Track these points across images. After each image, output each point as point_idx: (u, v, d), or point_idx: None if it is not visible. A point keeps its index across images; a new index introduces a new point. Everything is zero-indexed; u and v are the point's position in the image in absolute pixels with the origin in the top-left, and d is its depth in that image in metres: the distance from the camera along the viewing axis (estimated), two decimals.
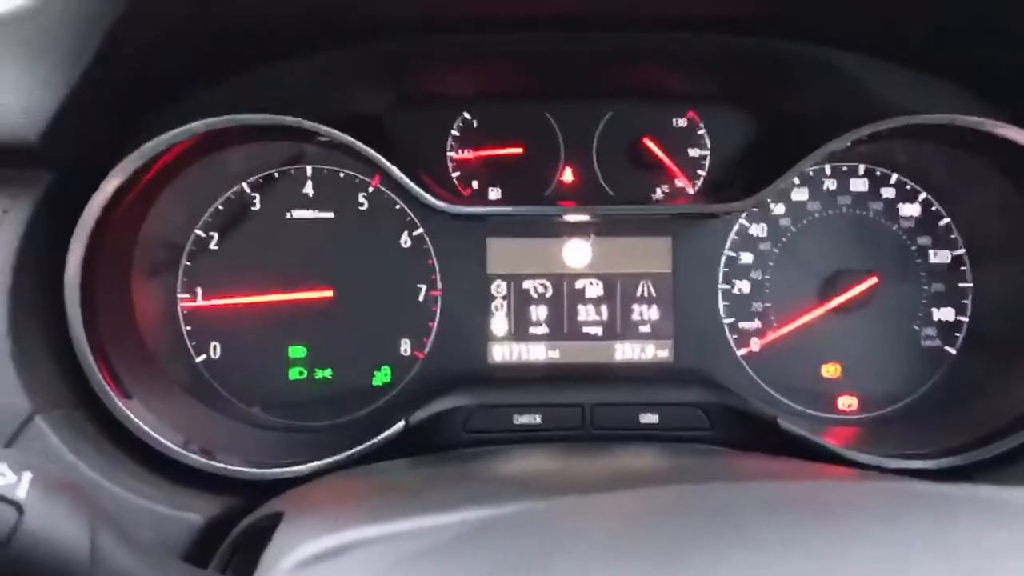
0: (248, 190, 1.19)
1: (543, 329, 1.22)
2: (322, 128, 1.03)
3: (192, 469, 1.01)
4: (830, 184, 1.23)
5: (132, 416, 0.99)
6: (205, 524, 0.95)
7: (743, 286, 1.22)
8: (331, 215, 1.20)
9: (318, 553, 0.61)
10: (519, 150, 1.21)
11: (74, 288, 0.98)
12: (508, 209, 1.15)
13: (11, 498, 0.60)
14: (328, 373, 1.20)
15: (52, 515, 0.61)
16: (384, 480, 0.90)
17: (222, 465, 1.00)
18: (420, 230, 1.21)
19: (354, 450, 1.05)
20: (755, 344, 1.22)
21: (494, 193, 1.23)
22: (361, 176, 1.20)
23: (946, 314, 1.22)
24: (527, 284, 1.22)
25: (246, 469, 1.01)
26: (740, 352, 1.22)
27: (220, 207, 1.19)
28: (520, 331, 1.22)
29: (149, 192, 1.09)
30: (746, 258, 1.22)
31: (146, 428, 0.99)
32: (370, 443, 1.05)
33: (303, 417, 1.19)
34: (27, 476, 0.62)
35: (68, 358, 0.98)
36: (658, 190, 1.23)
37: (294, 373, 1.20)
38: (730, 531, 0.51)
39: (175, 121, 1.01)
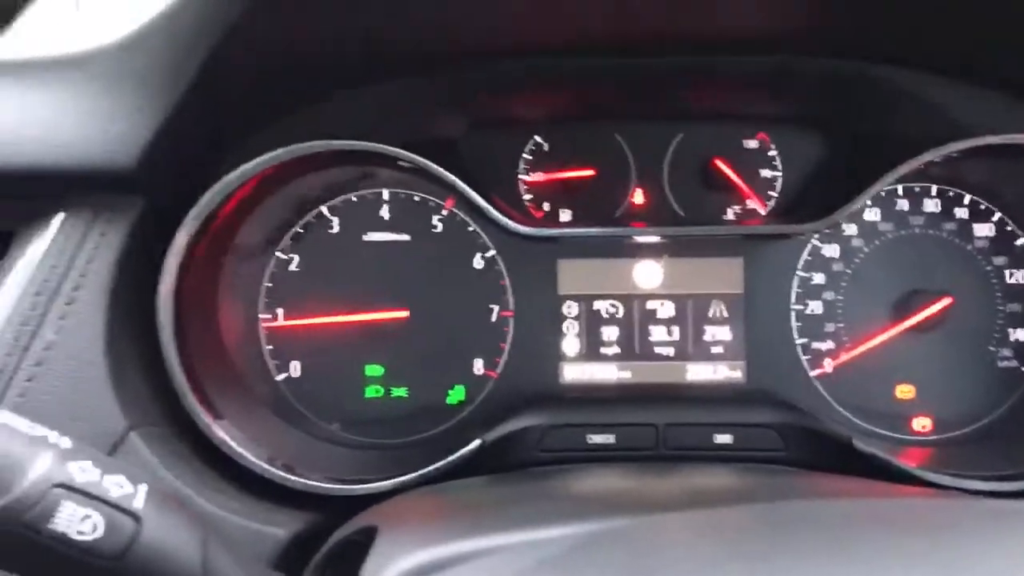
0: (327, 213, 1.23)
1: (614, 349, 1.23)
2: (404, 154, 1.05)
3: (275, 485, 1.03)
4: (902, 204, 1.23)
5: (222, 435, 1.02)
6: (289, 539, 0.98)
7: (816, 306, 1.22)
8: (407, 237, 1.23)
9: (422, 565, 0.63)
10: (591, 172, 1.23)
11: (167, 311, 1.01)
12: (581, 231, 1.17)
13: (129, 509, 0.63)
14: (404, 391, 1.23)
15: (167, 527, 0.64)
16: (469, 496, 0.91)
17: (305, 481, 1.03)
18: (492, 252, 1.23)
19: (431, 467, 1.06)
20: (828, 364, 1.22)
21: (565, 215, 1.25)
22: (435, 199, 1.23)
23: (1023, 335, 1.21)
24: (598, 305, 1.23)
25: (328, 485, 1.04)
26: (813, 373, 1.22)
27: (300, 230, 1.22)
28: (592, 351, 1.23)
29: (234, 217, 1.13)
30: (819, 278, 1.23)
31: (235, 446, 1.02)
32: (448, 460, 1.07)
33: (379, 435, 1.22)
34: (143, 488, 0.65)
35: (159, 377, 1.02)
36: (729, 211, 1.24)
37: (371, 391, 1.23)
38: (821, 547, 0.52)
39: (260, 148, 1.04)
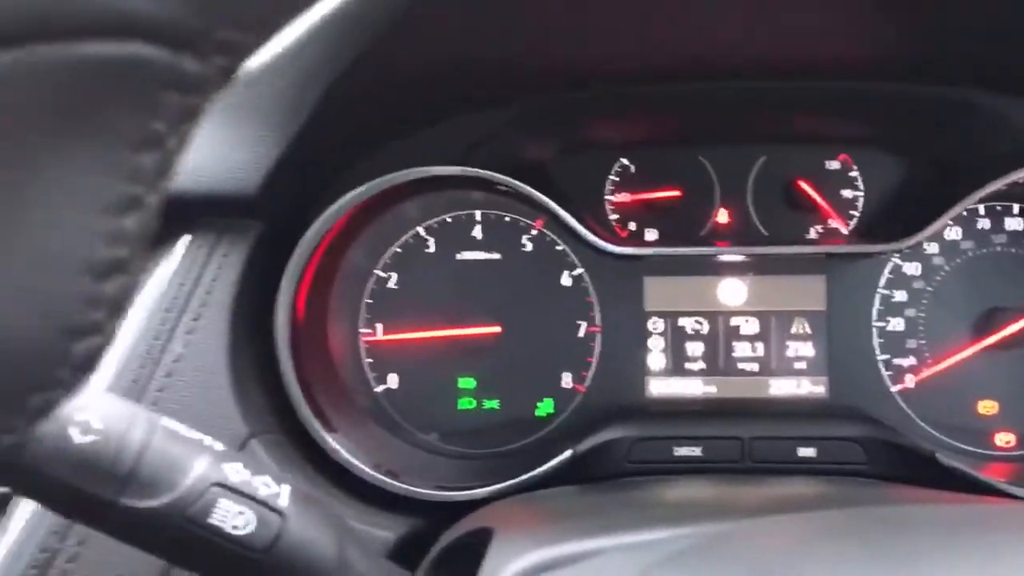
0: (423, 234, 1.29)
1: (699, 365, 1.27)
2: (504, 179, 1.11)
3: (380, 491, 1.10)
4: (984, 223, 1.25)
5: (333, 444, 1.09)
6: (395, 541, 1.04)
7: (897, 323, 1.25)
8: (498, 256, 1.29)
9: (544, 562, 0.68)
10: (676, 193, 1.28)
11: (284, 328, 1.08)
12: (668, 250, 1.22)
13: (275, 506, 0.69)
14: (495, 404, 1.28)
15: (307, 523, 0.71)
16: (571, 503, 0.96)
17: (409, 488, 1.09)
18: (580, 270, 1.28)
19: (526, 476, 1.12)
20: (910, 380, 1.25)
21: (651, 234, 1.29)
22: (525, 220, 1.29)
23: None
24: (683, 321, 1.28)
25: (431, 492, 1.10)
26: (895, 388, 1.25)
27: (398, 250, 1.29)
28: (677, 366, 1.27)
29: (342, 240, 1.20)
30: (900, 296, 1.25)
31: (345, 454, 1.08)
32: (541, 470, 1.12)
33: (472, 445, 1.27)
34: (286, 488, 0.71)
35: (275, 389, 1.09)
36: (812, 230, 1.27)
37: (464, 403, 1.28)
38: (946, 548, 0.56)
39: (368, 174, 1.11)
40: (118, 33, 0.34)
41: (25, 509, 0.92)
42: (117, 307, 0.39)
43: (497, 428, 1.28)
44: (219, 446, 0.70)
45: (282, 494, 0.70)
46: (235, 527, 0.67)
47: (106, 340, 0.38)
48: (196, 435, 0.70)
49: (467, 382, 1.28)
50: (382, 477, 1.08)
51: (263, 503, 0.69)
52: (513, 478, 1.12)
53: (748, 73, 1.17)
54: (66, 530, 0.91)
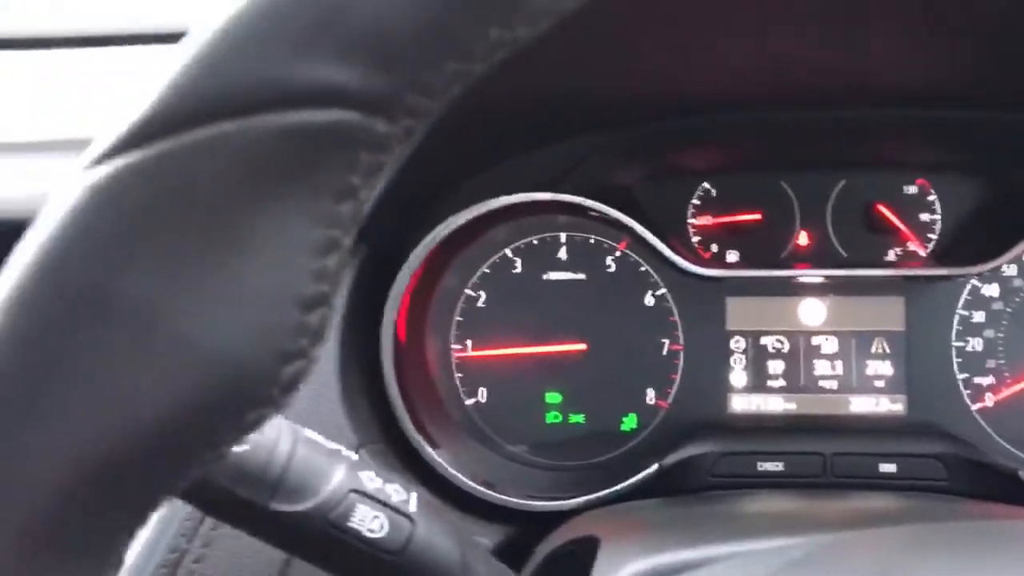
0: (510, 255, 1.35)
1: (780, 382, 1.31)
2: (596, 205, 1.17)
3: (477, 501, 1.15)
4: None
5: (434, 454, 1.15)
6: (493, 549, 1.10)
7: (976, 343, 1.28)
8: (583, 276, 1.34)
9: (657, 568, 0.73)
10: (758, 217, 1.32)
11: (388, 348, 1.15)
12: (751, 272, 1.26)
13: (406, 512, 0.75)
14: (581, 418, 1.33)
15: (434, 529, 0.76)
16: (667, 513, 1.01)
17: (505, 498, 1.15)
18: (663, 290, 1.33)
19: (616, 488, 1.17)
20: (989, 399, 1.27)
21: (732, 256, 1.34)
22: (609, 242, 1.34)
23: None
24: (764, 340, 1.32)
25: (525, 502, 1.15)
26: (975, 407, 1.27)
27: (487, 270, 1.35)
28: (758, 384, 1.32)
29: (438, 263, 1.26)
30: (979, 317, 1.28)
31: (446, 465, 1.15)
32: (629, 482, 1.17)
33: (559, 457, 1.33)
34: (414, 495, 0.77)
35: (380, 402, 1.16)
36: (891, 252, 1.31)
37: (550, 417, 1.34)
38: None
39: (463, 201, 1.18)
40: (326, 103, 0.41)
41: (157, 512, 0.99)
42: (319, 335, 0.45)
43: (582, 441, 1.33)
44: (354, 456, 0.76)
45: (411, 500, 0.76)
46: (371, 530, 0.73)
47: (309, 364, 0.45)
48: (333, 445, 0.76)
49: (553, 397, 1.34)
50: (481, 488, 1.14)
51: (395, 508, 0.75)
52: (601, 490, 1.18)
53: (829, 100, 1.22)
54: (192, 533, 0.99)
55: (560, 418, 1.34)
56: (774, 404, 1.31)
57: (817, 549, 0.64)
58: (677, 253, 1.23)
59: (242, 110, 0.40)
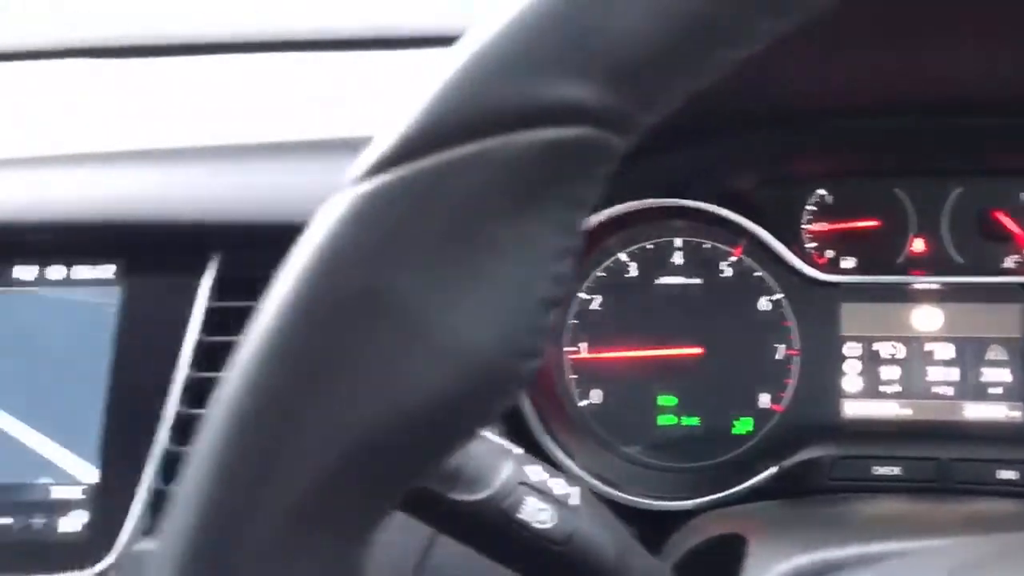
0: (624, 259, 1.38)
1: (895, 388, 1.32)
2: (719, 210, 1.20)
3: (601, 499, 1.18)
4: None
5: (560, 454, 1.18)
6: None
7: None
8: (698, 281, 1.36)
9: (814, 564, 0.75)
10: (874, 223, 1.33)
11: None
12: (869, 278, 1.28)
13: (570, 504, 0.78)
14: (695, 421, 1.36)
15: (595, 522, 0.80)
16: (798, 513, 1.03)
17: (630, 497, 1.18)
18: (778, 295, 1.34)
19: (733, 489, 1.19)
20: None
21: (847, 262, 1.35)
22: (725, 247, 1.36)
23: None
24: (878, 346, 1.33)
25: (649, 502, 1.18)
26: None
27: (601, 274, 1.38)
28: (872, 389, 1.33)
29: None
30: None
31: (572, 465, 1.18)
32: (748, 484, 1.20)
33: (672, 459, 1.35)
34: (576, 489, 0.80)
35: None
36: (1007, 259, 1.31)
37: (663, 419, 1.36)
38: None
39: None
40: (574, 120, 0.45)
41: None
42: (548, 334, 0.49)
43: (695, 443, 1.35)
44: (519, 450, 0.80)
45: (573, 494, 0.79)
46: (540, 522, 0.76)
47: (539, 362, 0.48)
48: (501, 440, 0.80)
49: (667, 399, 1.36)
50: (608, 489, 1.17)
51: (559, 501, 0.78)
52: (718, 491, 1.20)
53: (945, 108, 1.23)
54: None
55: (674, 420, 1.36)
56: (888, 409, 1.32)
57: (987, 551, 0.65)
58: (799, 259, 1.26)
59: (503, 128, 0.44)
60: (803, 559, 0.77)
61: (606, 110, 0.44)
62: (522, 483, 0.77)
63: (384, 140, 0.46)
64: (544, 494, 0.78)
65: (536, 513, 0.77)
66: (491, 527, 0.76)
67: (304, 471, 0.44)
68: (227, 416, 0.45)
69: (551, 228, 0.46)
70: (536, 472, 0.79)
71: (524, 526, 0.76)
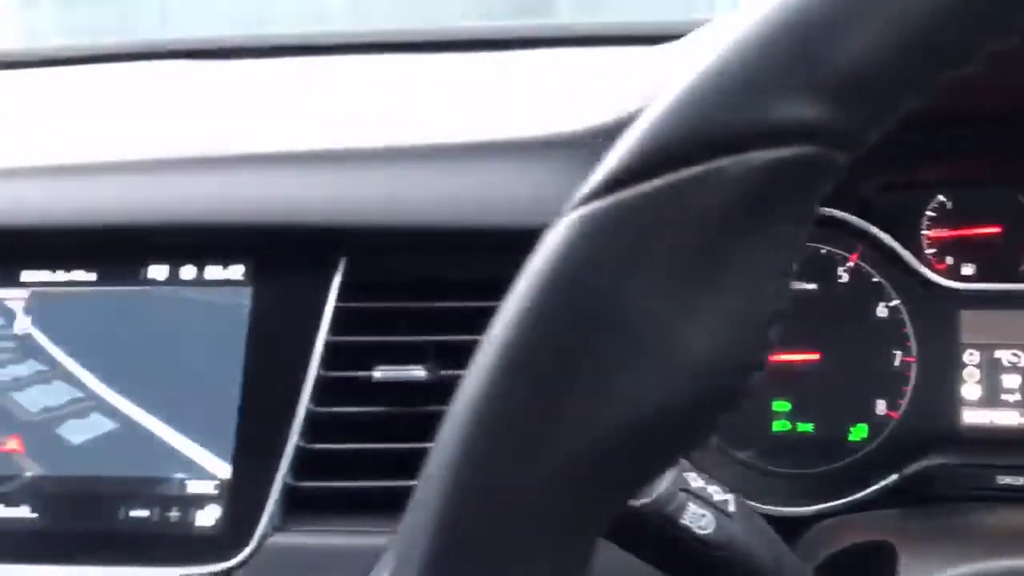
0: None
1: (1015, 396, 1.31)
2: (841, 214, 1.19)
3: None
4: None
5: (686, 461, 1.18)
6: None
7: None
8: (814, 286, 1.36)
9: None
10: (996, 230, 1.32)
11: None
12: (992, 286, 1.27)
13: (727, 511, 0.79)
14: (810, 427, 1.35)
15: (752, 529, 0.80)
16: (935, 523, 1.03)
17: (754, 503, 1.17)
18: (896, 301, 1.33)
19: (854, 496, 1.19)
20: None
21: (967, 269, 1.33)
22: (841, 252, 1.35)
23: None
24: (999, 353, 1.31)
25: (769, 508, 1.18)
26: None
27: None
28: (992, 397, 1.31)
29: None
30: None
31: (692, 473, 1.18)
32: (868, 491, 1.19)
33: (786, 464, 1.35)
34: (732, 496, 0.81)
35: None
36: None
37: (777, 425, 1.36)
38: None
39: None
40: (803, 139, 0.46)
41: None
42: (771, 348, 0.50)
43: (809, 450, 1.35)
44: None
45: (730, 501, 0.80)
46: (700, 527, 0.77)
47: (760, 376, 0.49)
48: None
49: (782, 405, 1.36)
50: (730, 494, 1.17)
51: (718, 507, 0.79)
52: (835, 498, 1.20)
53: None
54: None
55: (788, 426, 1.36)
56: (1009, 418, 1.31)
57: None
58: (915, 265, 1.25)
59: (736, 147, 0.45)
60: (959, 571, 0.77)
61: (834, 129, 0.45)
62: (683, 489, 0.78)
63: (617, 159, 0.47)
64: (704, 500, 0.79)
65: (698, 519, 0.77)
66: (654, 533, 0.77)
67: (544, 468, 0.46)
68: (467, 425, 0.46)
69: (777, 243, 0.47)
70: (695, 478, 0.79)
71: (687, 531, 0.77)
